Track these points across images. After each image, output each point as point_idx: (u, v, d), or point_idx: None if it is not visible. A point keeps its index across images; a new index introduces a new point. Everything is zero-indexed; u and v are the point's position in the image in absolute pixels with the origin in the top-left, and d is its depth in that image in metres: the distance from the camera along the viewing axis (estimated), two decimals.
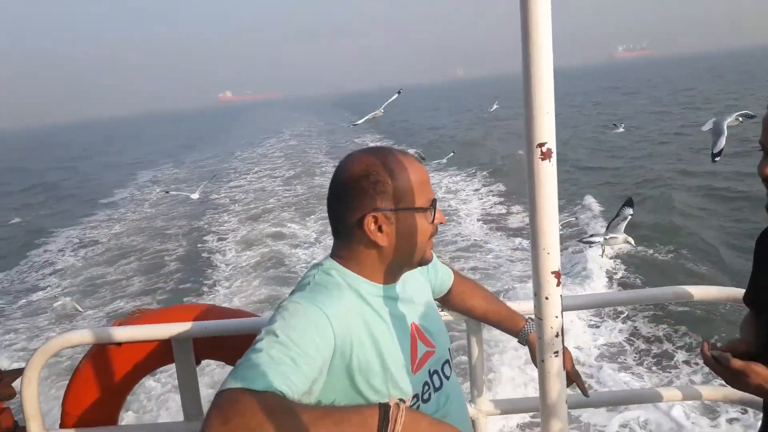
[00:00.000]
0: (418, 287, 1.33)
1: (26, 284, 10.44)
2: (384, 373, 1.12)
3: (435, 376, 1.24)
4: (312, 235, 11.06)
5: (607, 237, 5.51)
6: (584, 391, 1.60)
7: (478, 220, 11.48)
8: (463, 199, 13.42)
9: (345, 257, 1.18)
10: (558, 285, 0.93)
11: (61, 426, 2.00)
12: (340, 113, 55.45)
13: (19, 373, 2.16)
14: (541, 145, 0.84)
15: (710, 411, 4.50)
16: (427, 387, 1.21)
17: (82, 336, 1.82)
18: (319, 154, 24.68)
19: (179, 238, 12.20)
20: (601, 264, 7.82)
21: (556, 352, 0.96)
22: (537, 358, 1.02)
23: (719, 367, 1.17)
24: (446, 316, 1.66)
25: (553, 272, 0.91)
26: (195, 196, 10.18)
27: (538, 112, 0.84)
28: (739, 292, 1.61)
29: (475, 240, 9.97)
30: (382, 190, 1.12)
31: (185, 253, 10.97)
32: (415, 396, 1.19)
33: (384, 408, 0.91)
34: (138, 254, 11.32)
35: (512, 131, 23.21)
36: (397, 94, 8.36)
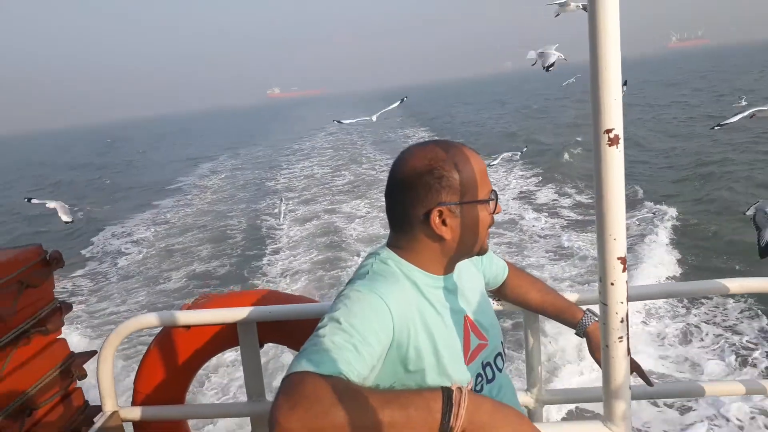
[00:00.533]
0: (472, 279, 1.34)
1: (112, 251, 12.06)
2: (437, 363, 1.13)
3: (488, 368, 1.26)
4: (362, 211, 12.12)
5: None
6: (648, 381, 1.55)
7: (513, 198, 12.37)
8: (503, 184, 14.22)
9: (403, 248, 1.20)
10: (624, 271, 0.93)
11: (133, 403, 2.08)
12: (383, 108, 56.59)
13: (90, 355, 2.31)
14: (608, 131, 0.85)
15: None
16: (480, 378, 1.23)
17: (153, 319, 1.89)
18: (365, 144, 25.89)
19: (240, 217, 13.63)
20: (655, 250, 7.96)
21: (621, 338, 0.96)
22: (601, 344, 1.01)
23: None
24: (501, 306, 1.68)
25: (619, 258, 0.91)
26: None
27: (606, 98, 0.84)
28: None
29: (510, 216, 10.84)
30: (447, 184, 1.14)
31: (247, 227, 12.44)
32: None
33: (447, 392, 0.92)
34: (202, 230, 12.84)
35: (560, 124, 23.72)
36: (399, 102, 9.22)
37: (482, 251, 1.24)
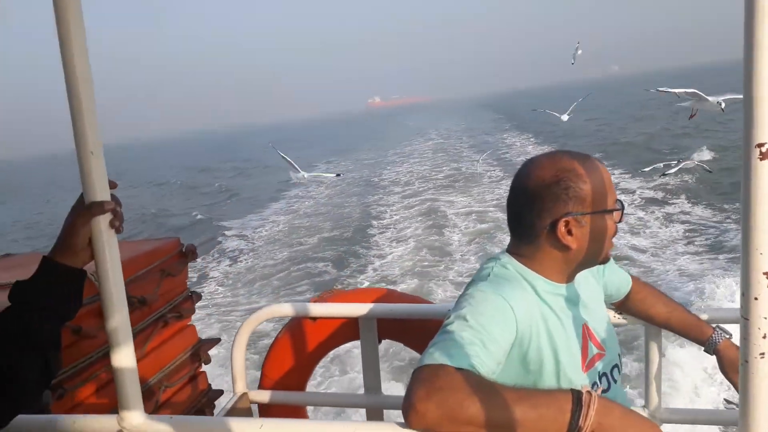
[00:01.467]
0: (591, 290, 1.34)
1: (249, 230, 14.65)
2: (556, 367, 1.15)
3: (603, 378, 1.26)
4: (460, 198, 14.21)
5: None
6: None
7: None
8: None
9: (525, 255, 1.22)
10: None
11: (260, 387, 2.17)
12: (487, 113, 57.81)
13: (214, 342, 2.46)
14: (760, 145, 0.80)
15: None
16: (595, 387, 1.23)
17: (285, 309, 1.98)
18: (464, 147, 27.61)
19: (353, 207, 16.02)
20: None
21: (762, 354, 0.90)
22: (740, 359, 0.94)
23: None
24: (621, 319, 1.65)
25: (765, 273, 0.85)
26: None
27: (760, 110, 0.79)
28: None
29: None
30: (574, 195, 1.14)
31: (360, 211, 14.80)
32: None
33: (576, 394, 0.93)
34: (321, 217, 15.27)
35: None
36: (335, 175, 13.03)
37: (605, 260, 1.26)
